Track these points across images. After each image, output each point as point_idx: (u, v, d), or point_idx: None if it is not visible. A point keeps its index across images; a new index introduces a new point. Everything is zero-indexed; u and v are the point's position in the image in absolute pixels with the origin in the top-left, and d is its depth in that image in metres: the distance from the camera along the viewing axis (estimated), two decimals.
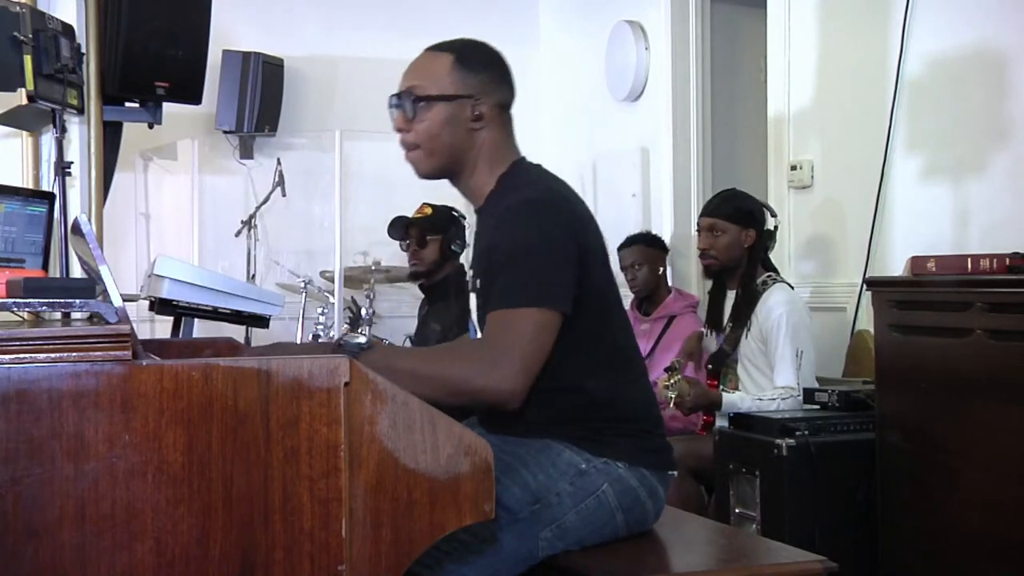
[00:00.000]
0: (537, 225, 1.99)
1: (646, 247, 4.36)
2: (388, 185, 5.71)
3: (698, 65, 5.05)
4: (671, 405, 3.37)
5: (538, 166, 2.18)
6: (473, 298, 2.17)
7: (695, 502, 3.51)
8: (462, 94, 2.08)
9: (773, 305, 3.49)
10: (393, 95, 2.14)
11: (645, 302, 4.39)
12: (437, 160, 2.12)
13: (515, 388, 1.90)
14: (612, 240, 5.31)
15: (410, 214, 4.46)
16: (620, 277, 4.55)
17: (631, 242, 4.42)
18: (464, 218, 4.36)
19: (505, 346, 1.91)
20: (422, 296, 4.59)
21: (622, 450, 2.06)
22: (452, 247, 4.28)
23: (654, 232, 4.60)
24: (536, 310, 1.93)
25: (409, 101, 2.09)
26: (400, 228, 4.49)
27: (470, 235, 5.02)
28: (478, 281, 2.12)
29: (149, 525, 1.50)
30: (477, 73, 2.10)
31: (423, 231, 4.34)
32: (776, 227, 3.75)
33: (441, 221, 4.32)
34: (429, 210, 4.38)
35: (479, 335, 2.12)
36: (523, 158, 2.17)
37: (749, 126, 4.94)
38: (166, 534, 1.51)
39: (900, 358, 3.00)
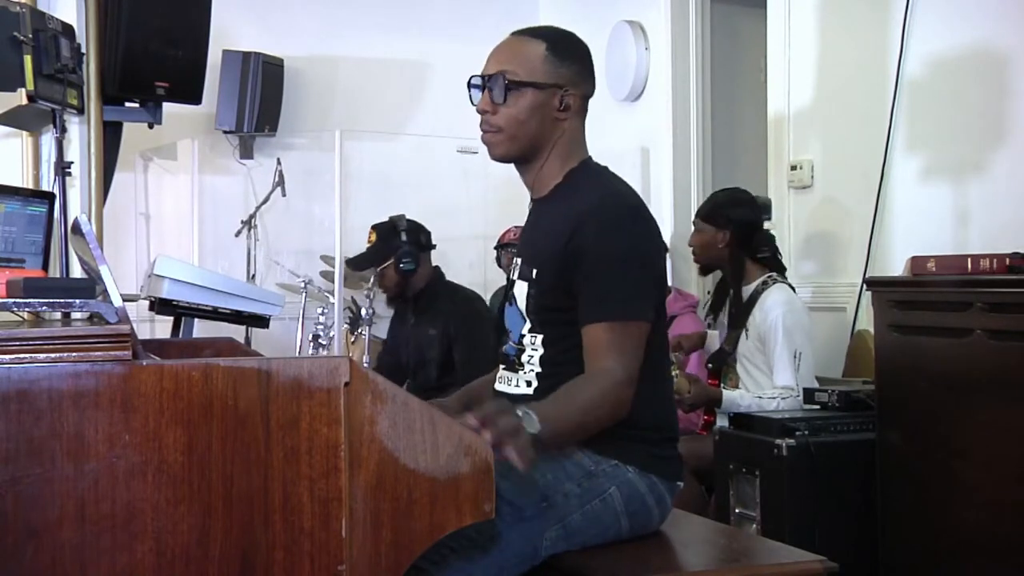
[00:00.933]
0: (635, 233, 2.03)
1: None
2: (388, 185, 5.71)
3: (698, 65, 5.05)
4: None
5: (606, 168, 2.19)
6: (523, 286, 2.14)
7: (696, 502, 3.51)
8: (553, 83, 2.09)
9: (770, 306, 3.50)
10: (478, 76, 2.12)
11: None
12: (517, 145, 2.11)
13: (630, 398, 1.96)
14: None
15: (410, 214, 4.46)
16: None
17: None
18: (412, 223, 4.32)
19: (628, 363, 1.95)
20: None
21: (635, 455, 2.06)
22: (403, 265, 4.22)
23: None
24: (640, 324, 1.99)
25: (499, 85, 2.07)
26: (354, 267, 4.48)
27: (493, 227, 5.01)
28: (533, 271, 2.11)
29: (149, 525, 1.50)
30: (569, 63, 2.11)
31: (374, 263, 4.33)
32: (763, 227, 3.71)
33: (383, 247, 4.28)
34: (373, 236, 4.36)
35: (526, 322, 2.11)
36: (591, 158, 2.19)
37: (749, 126, 4.94)
38: (166, 534, 1.51)
39: (900, 358, 3.00)
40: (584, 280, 2.00)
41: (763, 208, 3.72)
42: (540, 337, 2.09)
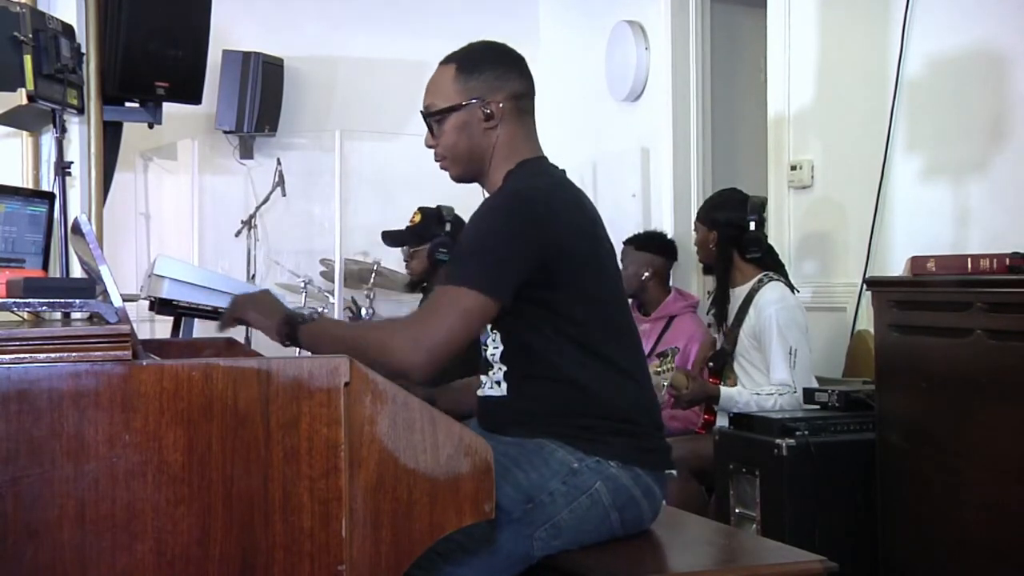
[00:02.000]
0: (497, 215, 2.06)
1: (634, 249, 4.34)
2: (388, 185, 5.72)
3: (698, 65, 5.05)
4: (663, 393, 3.37)
5: (542, 164, 2.20)
6: None
7: (697, 502, 3.51)
8: (468, 100, 2.14)
9: (764, 304, 3.52)
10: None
11: (645, 302, 4.40)
12: (462, 166, 2.20)
13: (425, 366, 1.93)
14: (612, 241, 5.33)
15: (409, 214, 4.46)
16: None
17: (625, 243, 4.43)
18: (459, 219, 4.35)
19: (429, 323, 1.96)
20: (421, 297, 4.58)
21: (615, 449, 2.06)
22: (437, 255, 4.23)
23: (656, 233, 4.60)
24: (468, 291, 1.96)
25: (428, 119, 2.19)
26: (389, 242, 4.48)
27: None
28: None
29: (149, 525, 1.50)
30: (479, 74, 2.15)
31: (409, 243, 4.33)
32: (753, 227, 3.69)
33: (425, 230, 4.28)
34: (418, 217, 4.35)
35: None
36: (536, 158, 2.20)
37: (749, 126, 4.94)
38: (166, 534, 1.51)
39: (900, 358, 3.00)
40: None
41: (754, 209, 3.69)
42: (498, 334, 2.13)
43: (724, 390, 3.48)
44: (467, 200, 4.52)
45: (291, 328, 2.03)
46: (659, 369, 3.41)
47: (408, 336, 1.95)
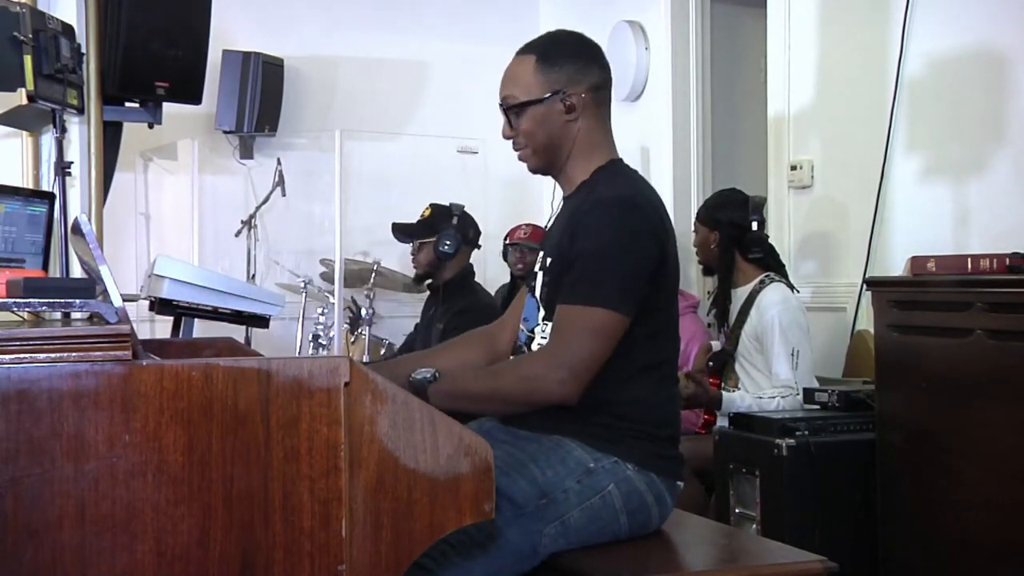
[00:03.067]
0: (623, 226, 2.04)
1: None
2: (388, 185, 5.71)
3: (698, 65, 5.05)
4: None
5: (634, 170, 2.22)
6: (540, 276, 2.21)
7: (698, 502, 3.51)
8: (549, 93, 2.14)
9: (766, 306, 3.52)
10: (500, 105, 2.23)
11: None
12: (542, 157, 2.20)
13: (574, 392, 1.97)
14: None
15: (409, 214, 4.47)
16: None
17: None
18: (467, 216, 4.36)
19: (572, 347, 1.97)
20: (427, 294, 4.59)
21: (634, 452, 2.07)
22: (441, 248, 4.27)
23: None
24: (605, 311, 1.98)
25: (508, 111, 2.18)
26: (399, 235, 4.52)
27: (493, 227, 5.05)
28: (548, 260, 2.18)
29: (149, 525, 1.50)
30: (560, 67, 2.15)
31: (419, 236, 4.38)
32: (753, 228, 3.70)
33: (432, 224, 4.34)
34: (428, 212, 4.42)
35: (540, 311, 2.17)
36: (621, 159, 2.22)
37: (749, 126, 4.94)
38: (166, 534, 1.51)
39: (900, 358, 3.00)
40: (569, 272, 2.05)
41: (756, 209, 3.69)
42: (550, 326, 2.11)
43: (726, 395, 3.48)
44: (468, 200, 4.55)
45: (417, 393, 1.94)
46: None
47: (554, 364, 1.97)
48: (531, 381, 1.99)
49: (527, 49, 2.19)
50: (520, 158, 2.22)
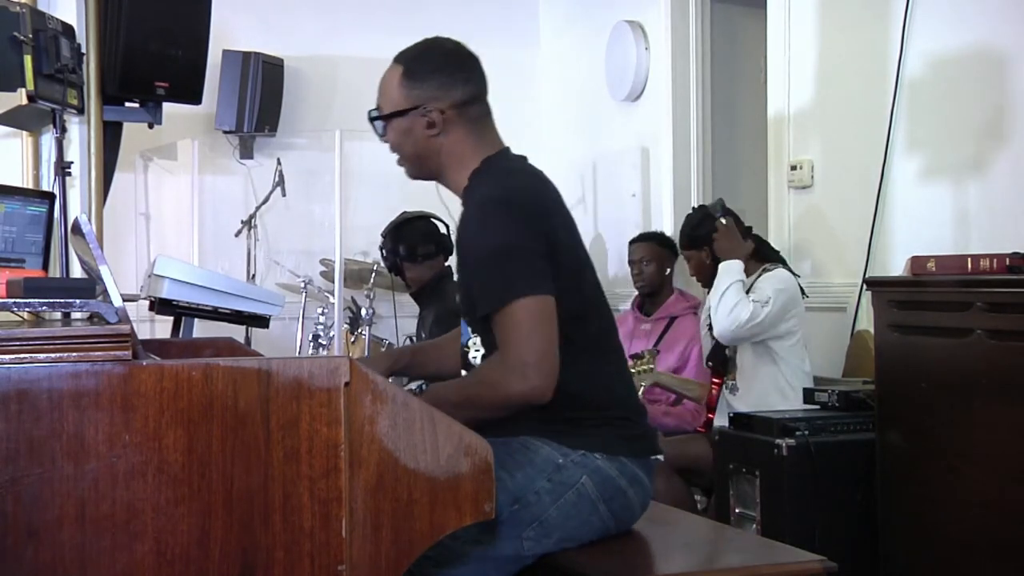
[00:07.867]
0: (499, 223, 2.01)
1: (657, 245, 4.38)
2: (388, 185, 5.69)
3: (698, 65, 5.05)
4: (640, 393, 3.39)
5: (509, 158, 2.18)
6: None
7: (684, 504, 3.51)
8: (410, 107, 2.12)
9: (764, 286, 3.53)
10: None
11: (647, 302, 4.40)
12: (414, 166, 2.20)
13: (539, 383, 1.94)
14: (612, 240, 5.34)
15: (409, 213, 4.47)
16: (626, 271, 4.58)
17: (643, 238, 4.45)
18: (433, 217, 4.36)
19: (515, 346, 1.94)
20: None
21: (599, 440, 2.06)
22: (417, 253, 4.29)
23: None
24: (523, 300, 1.95)
25: (372, 121, 2.18)
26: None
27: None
28: (455, 272, 2.19)
29: (149, 525, 1.50)
30: (423, 82, 2.12)
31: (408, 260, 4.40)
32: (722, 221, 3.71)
33: (410, 244, 4.35)
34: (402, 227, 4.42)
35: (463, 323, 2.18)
36: (498, 152, 2.17)
37: (749, 126, 4.94)
38: (166, 534, 1.51)
39: (900, 358, 3.00)
40: (471, 282, 2.06)
41: (717, 208, 3.73)
42: (478, 339, 2.13)
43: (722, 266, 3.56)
44: (451, 202, 4.54)
45: None
46: (635, 369, 3.42)
47: (508, 367, 1.94)
48: (500, 387, 1.96)
49: (398, 58, 2.17)
50: (397, 164, 2.21)
